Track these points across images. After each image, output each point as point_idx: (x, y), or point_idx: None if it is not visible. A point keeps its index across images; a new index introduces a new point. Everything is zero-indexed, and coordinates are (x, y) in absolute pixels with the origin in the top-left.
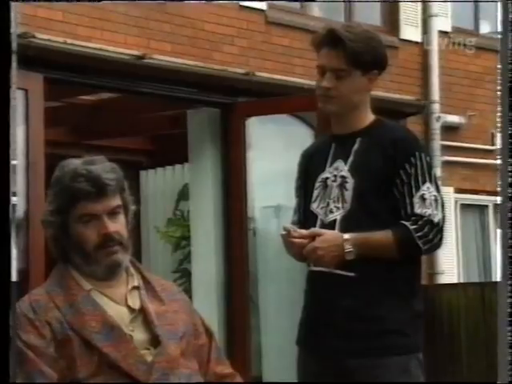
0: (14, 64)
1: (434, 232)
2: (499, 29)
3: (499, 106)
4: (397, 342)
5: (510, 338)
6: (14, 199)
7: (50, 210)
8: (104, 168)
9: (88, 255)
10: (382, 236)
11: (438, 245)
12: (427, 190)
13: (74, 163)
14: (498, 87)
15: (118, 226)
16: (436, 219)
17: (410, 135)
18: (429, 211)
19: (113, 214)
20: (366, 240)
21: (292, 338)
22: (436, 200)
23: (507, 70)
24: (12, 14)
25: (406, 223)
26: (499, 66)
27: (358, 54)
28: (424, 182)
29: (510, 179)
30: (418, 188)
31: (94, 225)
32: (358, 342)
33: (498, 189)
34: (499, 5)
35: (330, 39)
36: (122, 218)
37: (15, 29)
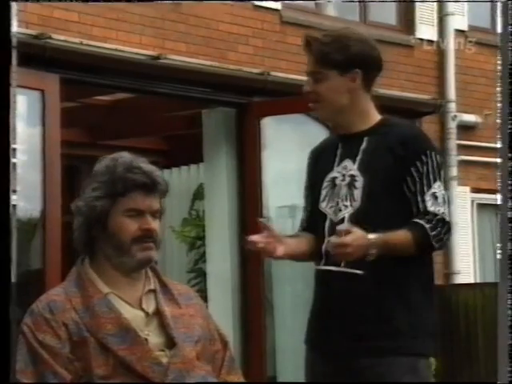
0: (14, 61)
1: (445, 230)
2: (499, 29)
3: (499, 105)
4: (405, 343)
5: (510, 338)
6: (13, 198)
7: (95, 195)
8: (153, 168)
9: (122, 246)
10: (402, 236)
11: (446, 244)
12: (438, 188)
13: (128, 156)
14: (498, 83)
15: (157, 225)
16: (447, 218)
17: (420, 133)
18: (442, 209)
19: (153, 216)
20: (387, 241)
21: None
22: (444, 199)
23: (507, 69)
24: (12, 12)
25: (421, 221)
26: (499, 62)
27: (326, 54)
28: (435, 180)
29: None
30: (429, 186)
31: (136, 219)
32: (365, 341)
33: (499, 188)
34: (499, 5)
35: (304, 45)
36: (157, 222)
37: (15, 25)
